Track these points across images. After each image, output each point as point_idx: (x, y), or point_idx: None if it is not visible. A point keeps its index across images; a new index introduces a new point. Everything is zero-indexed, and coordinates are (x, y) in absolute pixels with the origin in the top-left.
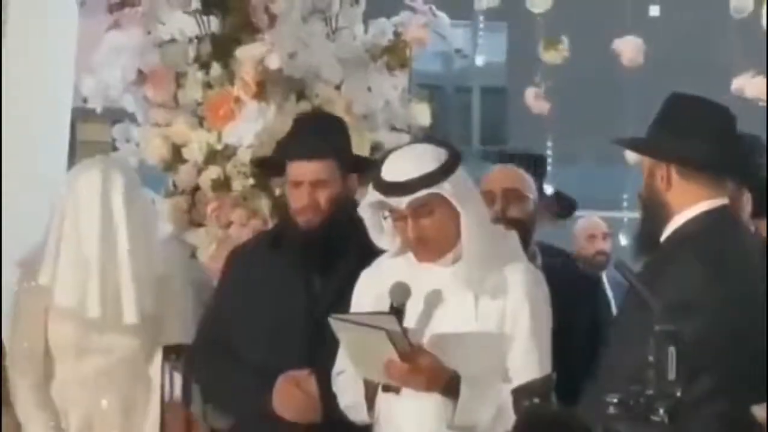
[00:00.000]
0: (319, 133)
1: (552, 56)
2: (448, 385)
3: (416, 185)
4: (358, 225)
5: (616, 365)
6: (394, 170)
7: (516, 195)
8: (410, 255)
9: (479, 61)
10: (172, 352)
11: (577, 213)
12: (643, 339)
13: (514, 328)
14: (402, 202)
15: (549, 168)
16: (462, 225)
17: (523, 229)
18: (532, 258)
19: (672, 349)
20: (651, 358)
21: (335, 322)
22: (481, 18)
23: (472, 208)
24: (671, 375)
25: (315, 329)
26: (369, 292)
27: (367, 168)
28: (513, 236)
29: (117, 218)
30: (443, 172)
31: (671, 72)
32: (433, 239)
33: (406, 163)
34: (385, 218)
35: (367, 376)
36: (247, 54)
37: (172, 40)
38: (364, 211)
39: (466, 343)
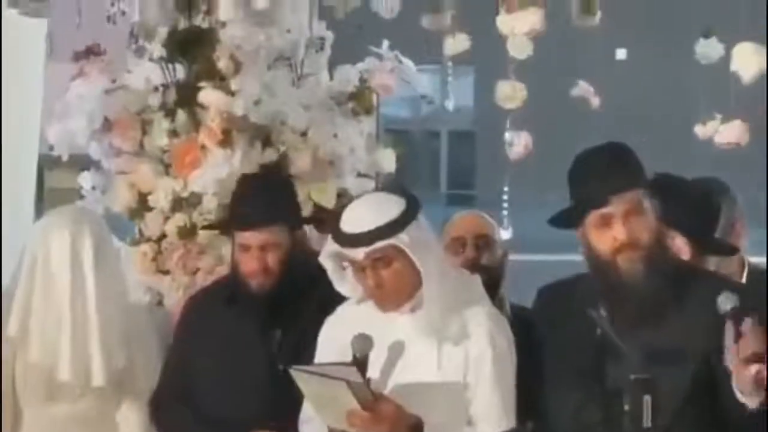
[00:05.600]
0: (263, 198)
1: (510, 101)
2: None
3: (373, 237)
4: (316, 275)
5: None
6: (351, 221)
7: (486, 241)
8: (372, 303)
9: (448, 105)
10: None
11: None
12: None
13: (477, 375)
14: (359, 253)
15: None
16: (422, 276)
17: (494, 275)
18: (500, 304)
19: (647, 398)
20: (626, 407)
21: (296, 374)
22: (449, 63)
23: (431, 257)
24: (646, 422)
25: (277, 382)
26: (333, 341)
27: (320, 219)
28: (476, 281)
29: (87, 280)
30: (401, 222)
31: (636, 116)
32: (393, 289)
33: (363, 214)
34: (344, 268)
35: (331, 425)
36: (211, 100)
37: (138, 88)
38: (325, 261)
39: (429, 392)
